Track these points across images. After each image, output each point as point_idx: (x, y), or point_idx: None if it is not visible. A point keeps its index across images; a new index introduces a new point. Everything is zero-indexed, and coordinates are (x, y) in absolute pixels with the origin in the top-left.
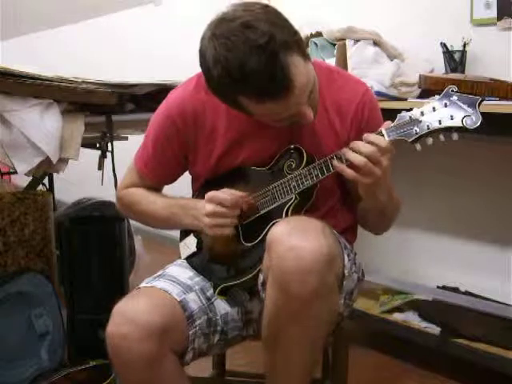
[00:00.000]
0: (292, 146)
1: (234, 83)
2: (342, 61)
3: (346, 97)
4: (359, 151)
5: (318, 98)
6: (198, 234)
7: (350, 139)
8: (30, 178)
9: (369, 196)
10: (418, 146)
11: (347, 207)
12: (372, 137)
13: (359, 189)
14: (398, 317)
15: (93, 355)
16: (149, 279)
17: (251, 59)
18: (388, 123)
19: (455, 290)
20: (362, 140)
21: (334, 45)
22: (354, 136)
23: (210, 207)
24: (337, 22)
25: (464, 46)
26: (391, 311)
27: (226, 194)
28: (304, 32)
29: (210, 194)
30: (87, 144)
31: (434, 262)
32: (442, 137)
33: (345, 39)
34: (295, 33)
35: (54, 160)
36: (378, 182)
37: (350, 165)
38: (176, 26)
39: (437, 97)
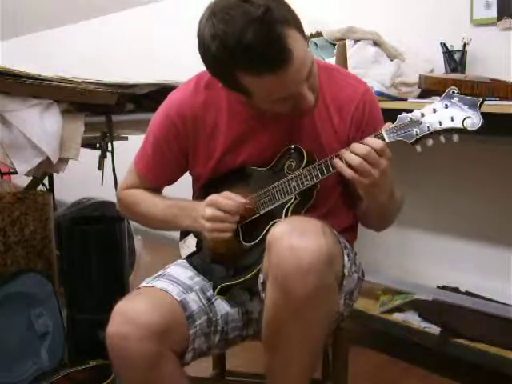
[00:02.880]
0: (292, 146)
1: (233, 56)
2: (342, 61)
3: (347, 95)
4: (355, 152)
5: (318, 88)
6: (197, 233)
7: (350, 138)
8: (30, 178)
9: (369, 196)
10: (419, 148)
11: (347, 207)
12: (368, 139)
13: (359, 189)
14: (398, 317)
15: (93, 355)
16: (149, 279)
17: (249, 30)
18: (388, 124)
19: (455, 290)
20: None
21: (334, 45)
22: (354, 135)
23: (210, 211)
24: (337, 22)
25: (464, 46)
26: (391, 311)
27: (227, 198)
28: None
29: (211, 198)
30: (87, 144)
31: (434, 262)
32: (442, 138)
33: (345, 39)
34: (293, 12)
35: (54, 160)
36: (376, 183)
37: (348, 165)
38: (177, 25)
39: (437, 98)
